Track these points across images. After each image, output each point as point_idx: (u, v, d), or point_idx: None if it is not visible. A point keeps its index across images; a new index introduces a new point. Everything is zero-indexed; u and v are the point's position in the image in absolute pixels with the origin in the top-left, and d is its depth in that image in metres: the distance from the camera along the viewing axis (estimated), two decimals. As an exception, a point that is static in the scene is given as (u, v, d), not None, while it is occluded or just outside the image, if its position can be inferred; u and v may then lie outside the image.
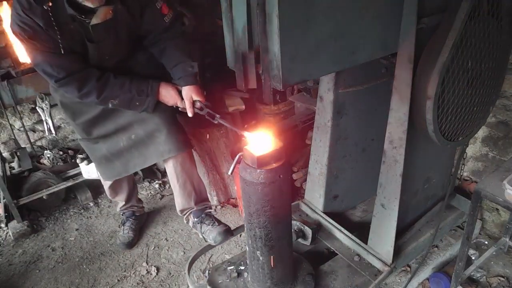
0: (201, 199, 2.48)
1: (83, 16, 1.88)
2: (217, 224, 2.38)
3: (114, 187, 2.64)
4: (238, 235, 2.74)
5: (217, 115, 2.06)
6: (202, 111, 2.10)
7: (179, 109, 2.17)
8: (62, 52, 1.92)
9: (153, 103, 2.13)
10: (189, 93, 2.10)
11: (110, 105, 2.10)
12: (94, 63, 2.08)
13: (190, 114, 2.12)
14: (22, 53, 2.99)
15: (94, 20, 1.92)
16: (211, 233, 2.32)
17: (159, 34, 2.18)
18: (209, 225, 2.37)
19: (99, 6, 1.83)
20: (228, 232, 2.32)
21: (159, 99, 2.14)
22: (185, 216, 2.52)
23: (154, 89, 2.11)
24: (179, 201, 2.47)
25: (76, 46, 1.99)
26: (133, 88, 2.08)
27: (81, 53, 2.04)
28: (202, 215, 2.43)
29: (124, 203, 2.78)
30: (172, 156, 2.27)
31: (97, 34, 1.99)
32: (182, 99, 2.12)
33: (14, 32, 1.90)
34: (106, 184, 2.61)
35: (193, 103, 2.10)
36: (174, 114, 2.30)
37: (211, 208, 2.56)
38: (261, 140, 1.63)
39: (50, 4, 1.80)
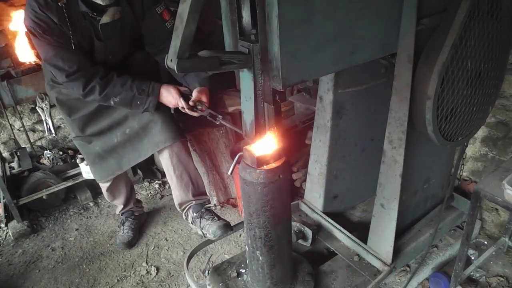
0: (199, 192, 2.47)
1: (94, 14, 1.99)
2: (216, 219, 2.37)
3: (112, 191, 2.64)
4: (238, 235, 2.74)
5: (219, 116, 2.07)
6: (204, 112, 2.11)
7: (180, 108, 2.17)
8: (73, 47, 2.01)
9: (154, 103, 2.15)
10: (200, 94, 2.11)
11: (112, 103, 2.13)
12: (98, 61, 2.15)
13: (194, 114, 2.13)
14: (22, 53, 2.99)
15: (104, 19, 2.02)
16: (210, 228, 2.31)
17: (164, 41, 2.21)
18: (208, 219, 2.36)
19: (109, 4, 1.94)
20: (228, 227, 2.31)
21: (160, 100, 2.16)
22: (184, 211, 2.51)
23: (156, 89, 2.14)
24: (177, 194, 2.46)
25: (85, 43, 2.08)
26: (134, 87, 2.11)
27: (89, 51, 2.11)
28: (202, 210, 2.42)
29: (122, 206, 2.79)
30: (167, 146, 2.27)
31: (105, 33, 2.08)
32: (184, 99, 2.13)
33: (27, 28, 1.98)
34: (104, 187, 2.61)
35: (195, 105, 2.10)
36: (167, 106, 2.32)
37: (209, 203, 2.55)
38: (261, 141, 1.63)
39: (65, 1, 1.91)
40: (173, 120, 2.30)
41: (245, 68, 1.35)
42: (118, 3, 1.99)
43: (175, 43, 1.24)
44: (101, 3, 1.92)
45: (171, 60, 1.26)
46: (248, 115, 1.46)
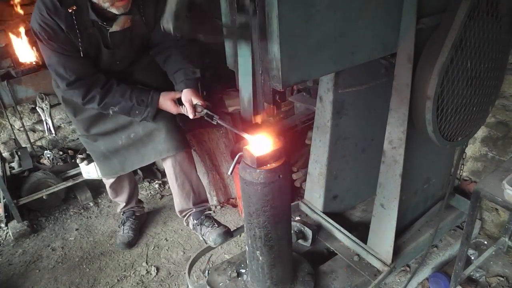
0: (200, 200, 2.48)
1: (104, 23, 1.96)
2: (216, 225, 2.38)
3: (115, 188, 2.65)
4: (238, 235, 2.74)
5: (216, 116, 2.07)
6: (201, 113, 2.11)
7: (185, 113, 2.18)
8: (82, 55, 1.98)
9: (152, 113, 2.16)
10: (189, 96, 2.11)
11: (111, 112, 2.15)
12: (104, 67, 2.14)
13: (191, 116, 2.13)
14: (22, 53, 2.99)
15: (114, 28, 2.00)
16: (211, 235, 2.33)
17: (167, 48, 2.24)
18: (208, 226, 2.38)
19: (123, 13, 1.91)
20: (228, 234, 2.33)
21: (160, 108, 2.18)
22: (184, 218, 2.53)
23: (155, 100, 2.15)
24: (178, 202, 2.48)
25: (91, 50, 2.06)
26: (133, 97, 2.12)
27: (94, 57, 2.10)
28: (202, 217, 2.44)
29: (124, 204, 2.79)
30: (170, 155, 2.29)
31: (114, 41, 2.07)
32: (181, 104, 2.14)
33: (33, 31, 1.94)
34: (108, 184, 2.62)
35: (194, 106, 2.11)
36: (173, 114, 2.32)
37: (210, 210, 2.56)
38: (260, 141, 1.63)
39: (75, 7, 1.86)
40: (178, 129, 2.31)
41: (242, 39, 1.32)
42: (129, 12, 1.97)
43: (171, 4, 1.21)
44: (116, 12, 1.89)
45: (167, 21, 1.23)
46: (245, 91, 1.43)
